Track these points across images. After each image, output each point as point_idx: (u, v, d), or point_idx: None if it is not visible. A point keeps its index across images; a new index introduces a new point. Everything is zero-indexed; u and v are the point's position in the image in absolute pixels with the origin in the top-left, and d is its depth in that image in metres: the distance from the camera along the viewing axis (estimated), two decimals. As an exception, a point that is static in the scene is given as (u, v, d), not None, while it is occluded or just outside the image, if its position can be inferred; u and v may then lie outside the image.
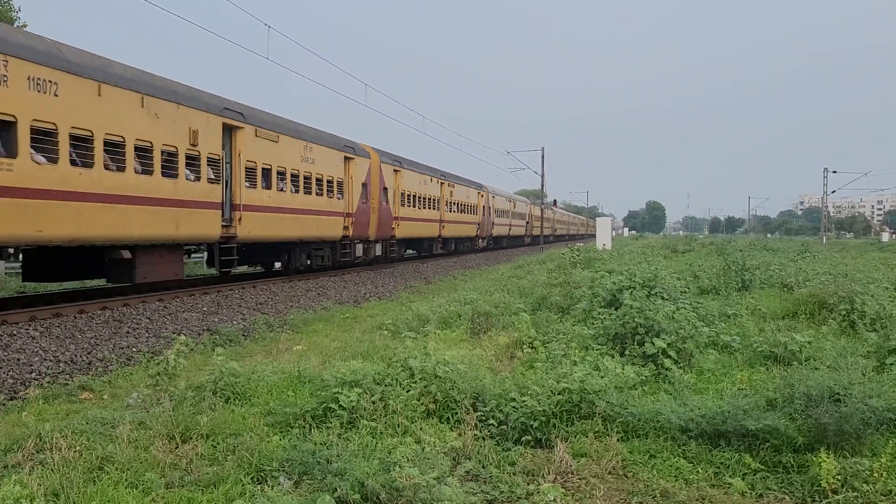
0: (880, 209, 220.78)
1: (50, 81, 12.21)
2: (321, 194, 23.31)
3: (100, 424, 6.54)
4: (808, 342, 9.15)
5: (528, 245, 66.46)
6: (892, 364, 8.21)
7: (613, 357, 8.64)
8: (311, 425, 6.49)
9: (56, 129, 12.42)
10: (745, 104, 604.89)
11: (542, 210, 60.32)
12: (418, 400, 6.84)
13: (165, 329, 13.65)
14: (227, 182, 18.29)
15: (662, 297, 12.31)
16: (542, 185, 59.19)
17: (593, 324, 10.96)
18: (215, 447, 5.98)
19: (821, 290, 13.24)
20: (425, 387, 7.03)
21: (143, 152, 14.83)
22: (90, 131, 13.25)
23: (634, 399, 6.98)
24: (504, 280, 20.52)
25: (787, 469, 5.71)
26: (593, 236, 56.70)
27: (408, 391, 6.88)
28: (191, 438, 6.11)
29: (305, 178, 22.20)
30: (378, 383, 7.00)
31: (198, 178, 16.70)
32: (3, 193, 11.39)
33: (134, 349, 11.82)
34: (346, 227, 25.30)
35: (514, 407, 6.65)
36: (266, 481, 5.33)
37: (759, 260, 23.64)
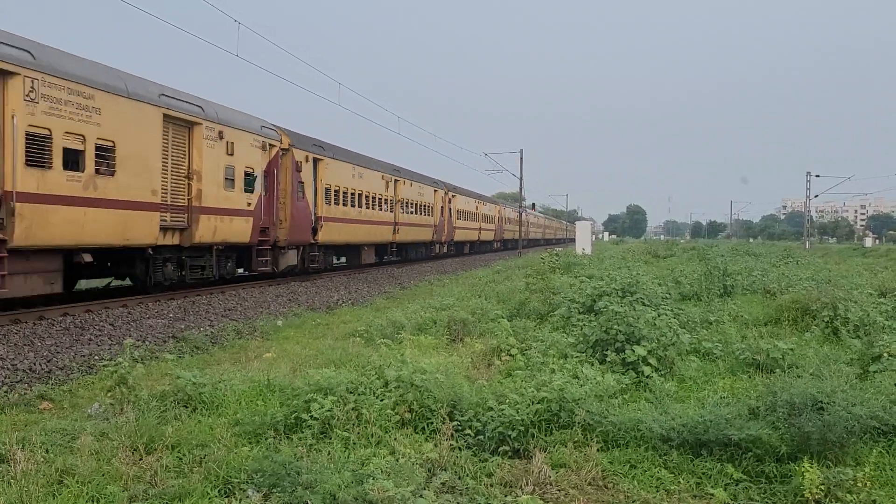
0: (863, 214, 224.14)
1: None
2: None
3: (60, 435, 6.45)
4: (791, 349, 9.25)
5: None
6: (875, 371, 8.31)
7: (593, 365, 8.68)
8: (281, 436, 6.45)
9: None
10: (727, 107, 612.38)
11: (520, 214, 60.55)
12: (393, 409, 6.82)
13: (129, 336, 13.48)
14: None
15: (643, 303, 12.43)
16: (521, 188, 59.39)
17: (572, 331, 11.02)
18: (181, 459, 5.92)
19: (804, 296, 13.42)
20: (400, 396, 7.01)
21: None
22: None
23: (615, 408, 7.01)
24: (481, 285, 20.55)
25: (770, 479, 5.76)
26: (573, 240, 56.88)
27: (382, 400, 6.86)
28: (155, 450, 6.04)
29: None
30: (351, 392, 6.96)
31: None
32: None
33: (96, 357, 11.67)
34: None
35: (491, 416, 6.65)
36: (234, 494, 5.28)
37: (741, 265, 23.92)
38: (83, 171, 14.57)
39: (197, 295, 19.37)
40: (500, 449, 6.34)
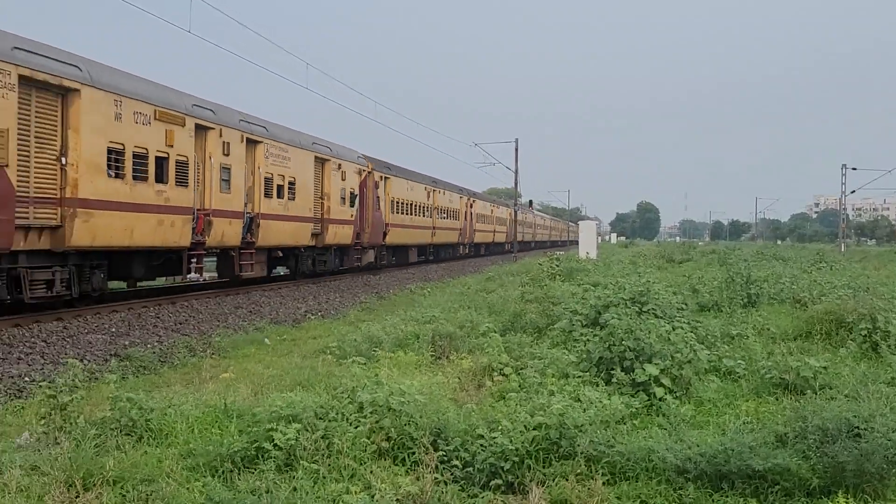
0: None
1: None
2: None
3: (-17, 470, 6.41)
4: (824, 367, 9.29)
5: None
6: (919, 392, 8.38)
7: (598, 386, 8.72)
8: (239, 468, 6.42)
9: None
10: (752, 98, 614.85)
11: (514, 212, 60.66)
12: (368, 438, 6.81)
13: (65, 354, 13.43)
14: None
15: (655, 315, 12.48)
16: (516, 183, 59.42)
17: (574, 346, 11.04)
18: (124, 496, 5.89)
19: (839, 306, 13.45)
20: (377, 422, 7.00)
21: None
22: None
23: (622, 435, 7.02)
24: (471, 295, 20.57)
25: (800, 516, 5.80)
26: (576, 243, 57.06)
27: (356, 427, 6.85)
28: (94, 486, 6.00)
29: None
30: (321, 418, 6.95)
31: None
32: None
33: (27, 378, 11.60)
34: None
35: (481, 445, 6.65)
36: (184, 537, 5.26)
37: (767, 271, 24.02)
38: (284, 199, 26.50)
39: (143, 307, 19.30)
40: (492, 483, 6.33)
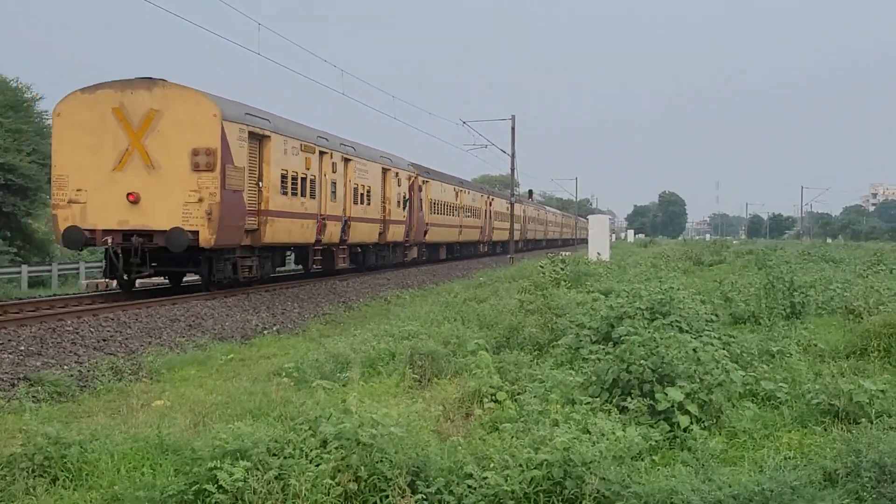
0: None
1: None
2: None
3: None
4: (882, 391, 9.34)
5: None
6: None
7: (610, 414, 8.72)
8: (176, 516, 6.40)
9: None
10: (797, 75, 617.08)
11: (511, 203, 60.70)
12: (333, 478, 6.79)
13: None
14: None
15: (680, 329, 12.53)
16: (513, 169, 59.53)
17: (582, 367, 11.06)
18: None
19: (900, 317, 13.56)
20: (343, 459, 6.99)
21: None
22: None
23: (640, 473, 7.05)
24: (458, 304, 20.56)
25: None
26: (584, 241, 56.95)
27: (318, 465, 6.85)
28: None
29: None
30: (275, 454, 6.95)
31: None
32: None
33: None
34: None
35: (469, 487, 6.65)
36: None
37: (815, 275, 24.12)
38: (364, 204, 36.48)
39: (59, 319, 19.17)
40: (482, 532, 6.34)
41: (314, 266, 33.84)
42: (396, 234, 42.55)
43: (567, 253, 42.90)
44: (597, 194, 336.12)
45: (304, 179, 30.25)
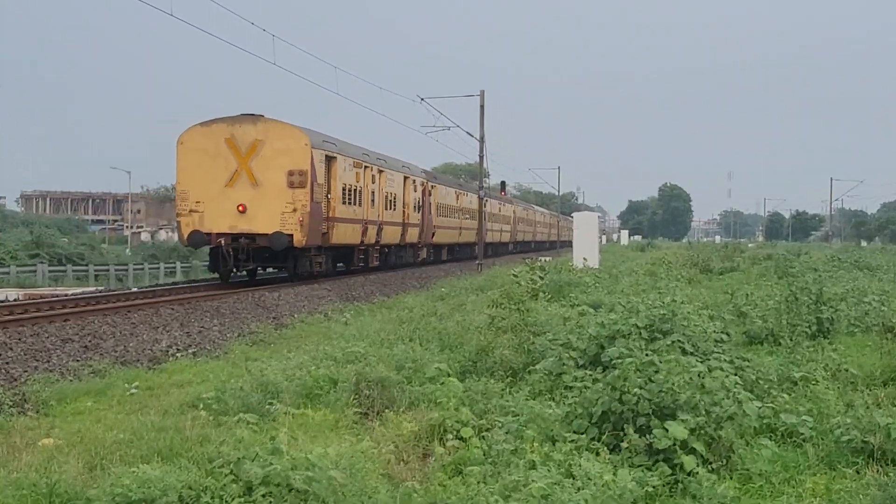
0: None
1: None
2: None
3: None
4: (925, 425, 9.57)
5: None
6: None
7: (598, 454, 8.93)
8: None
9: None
10: (824, 54, 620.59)
11: (480, 200, 61.01)
12: (260, 532, 6.93)
13: None
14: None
15: (683, 350, 12.80)
16: (482, 156, 59.71)
17: (565, 397, 11.23)
18: None
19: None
20: (272, 508, 7.14)
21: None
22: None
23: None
24: (415, 321, 20.70)
25: None
26: (569, 244, 57.45)
27: (242, 517, 6.99)
28: None
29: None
30: (188, 503, 7.12)
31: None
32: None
33: None
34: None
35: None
36: None
37: (846, 286, 24.44)
38: (391, 210, 51.23)
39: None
40: None
41: (359, 264, 47.25)
42: (413, 235, 56.09)
43: (547, 259, 43.18)
44: (583, 187, 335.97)
45: (354, 190, 43.99)
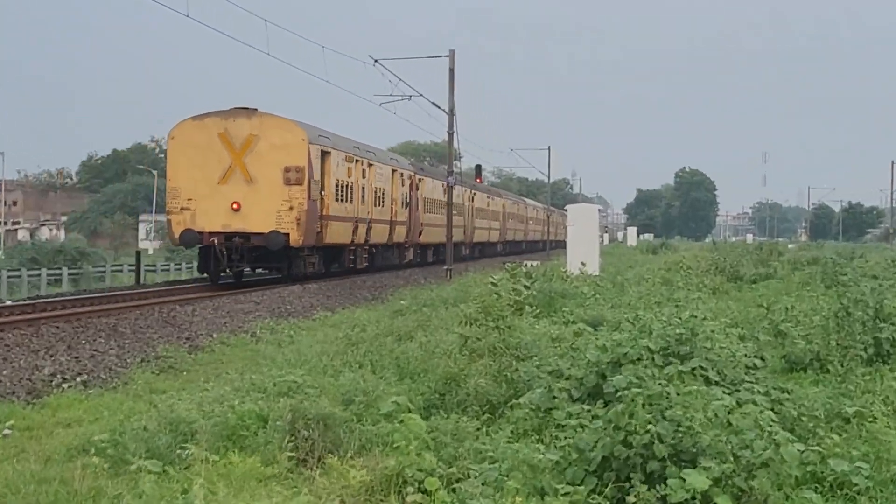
0: None
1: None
2: None
3: None
4: None
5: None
6: None
7: (599, 511, 8.96)
8: None
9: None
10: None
11: (450, 186, 61.00)
12: None
13: None
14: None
15: (706, 379, 12.79)
16: (452, 133, 59.69)
17: (557, 438, 11.16)
18: None
19: None
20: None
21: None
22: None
23: None
24: (367, 341, 20.66)
25: None
26: (562, 244, 58.04)
27: None
28: None
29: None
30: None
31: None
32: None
33: None
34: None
35: None
36: None
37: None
38: (380, 206, 61.02)
39: None
40: None
41: (349, 265, 54.79)
42: (400, 234, 63.78)
43: (533, 264, 43.17)
44: (580, 173, 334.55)
45: (346, 186, 50.94)
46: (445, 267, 57.44)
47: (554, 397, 12.82)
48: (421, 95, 62.85)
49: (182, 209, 42.10)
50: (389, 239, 61.58)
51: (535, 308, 23.20)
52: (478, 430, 12.35)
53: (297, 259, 44.38)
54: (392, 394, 13.68)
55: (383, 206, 58.66)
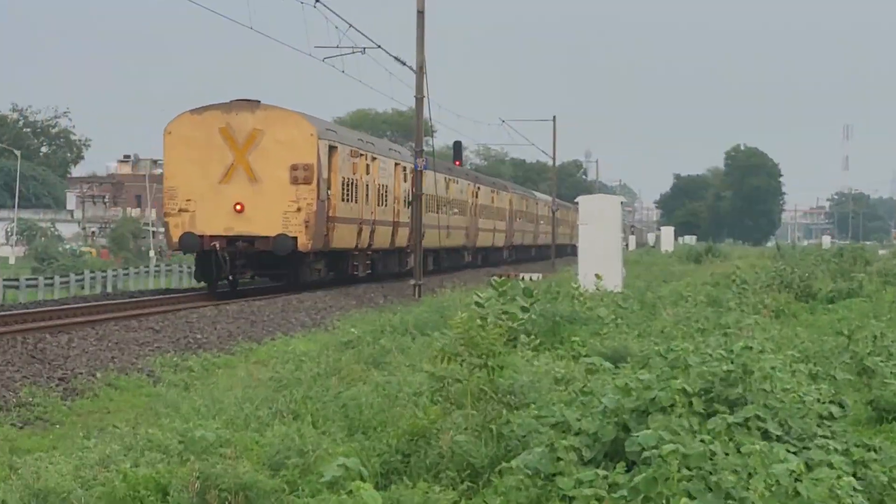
0: None
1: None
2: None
3: None
4: None
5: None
6: None
7: None
8: None
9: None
10: None
11: (418, 173, 61.34)
12: None
13: None
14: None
15: (765, 434, 12.61)
16: (421, 99, 60.02)
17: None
18: None
19: None
20: None
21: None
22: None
23: None
24: (305, 382, 20.78)
25: None
26: (570, 251, 60.92)
27: None
28: None
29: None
30: None
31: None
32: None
33: None
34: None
35: None
36: None
37: None
38: (384, 206, 77.68)
39: None
40: None
41: (353, 272, 62.67)
42: (403, 237, 72.33)
43: (536, 276, 43.37)
44: (596, 154, 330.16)
45: (352, 184, 58.74)
46: (413, 282, 58.14)
47: (558, 459, 11.97)
48: (379, 47, 61.75)
49: (180, 210, 49.15)
50: (392, 243, 70.14)
51: (533, 337, 23.24)
52: (455, 503, 12.44)
53: (303, 266, 51.51)
54: (338, 454, 13.59)
55: (386, 205, 67.15)
